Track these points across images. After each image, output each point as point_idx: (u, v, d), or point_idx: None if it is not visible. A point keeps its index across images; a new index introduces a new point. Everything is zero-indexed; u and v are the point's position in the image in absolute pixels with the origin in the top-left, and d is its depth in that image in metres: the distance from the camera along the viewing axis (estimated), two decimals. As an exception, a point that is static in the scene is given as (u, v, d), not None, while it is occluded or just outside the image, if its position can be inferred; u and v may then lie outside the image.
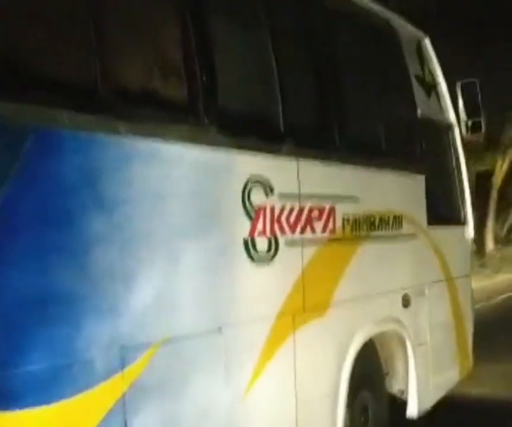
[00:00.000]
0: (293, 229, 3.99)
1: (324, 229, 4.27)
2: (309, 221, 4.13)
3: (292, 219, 3.98)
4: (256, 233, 3.70)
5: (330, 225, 4.33)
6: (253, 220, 3.68)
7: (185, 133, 3.32)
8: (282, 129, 3.99)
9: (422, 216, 5.52)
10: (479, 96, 6.55)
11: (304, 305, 4.07)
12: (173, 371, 3.18)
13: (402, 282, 5.20)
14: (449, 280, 5.98)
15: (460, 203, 6.35)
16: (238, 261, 3.60)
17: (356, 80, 4.95)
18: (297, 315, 4.02)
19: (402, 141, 5.45)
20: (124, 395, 2.88)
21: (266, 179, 3.78)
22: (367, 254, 4.74)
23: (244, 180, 3.63)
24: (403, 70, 5.56)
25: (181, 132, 3.29)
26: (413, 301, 5.29)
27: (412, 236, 5.35)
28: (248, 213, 3.64)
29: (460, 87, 6.56)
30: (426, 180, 5.59)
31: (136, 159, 3.02)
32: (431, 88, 6.07)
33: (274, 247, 3.83)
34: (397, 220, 5.13)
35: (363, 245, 4.70)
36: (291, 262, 4.00)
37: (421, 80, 5.86)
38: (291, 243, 3.97)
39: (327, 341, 4.33)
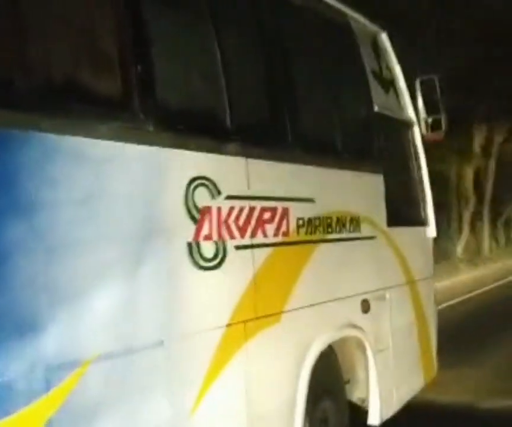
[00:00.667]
0: (242, 232, 3.74)
1: (277, 232, 4.03)
2: (260, 224, 3.88)
3: (241, 222, 3.73)
4: (201, 238, 3.44)
5: (284, 227, 4.09)
6: (198, 224, 3.42)
7: (118, 130, 3.04)
8: (229, 126, 3.74)
9: (381, 217, 5.31)
10: (439, 92, 6.39)
11: (257, 312, 3.82)
12: (108, 391, 2.89)
13: (361, 287, 4.98)
14: (411, 283, 5.79)
15: (421, 202, 6.16)
16: (182, 267, 3.33)
17: (309, 75, 4.72)
18: (249, 324, 3.76)
19: (358, 139, 5.24)
20: (50, 421, 2.59)
21: (212, 180, 3.53)
22: (324, 258, 4.51)
23: (186, 181, 3.37)
24: (359, 64, 5.35)
25: (113, 128, 3.01)
26: (373, 306, 5.08)
27: (371, 238, 5.14)
28: (192, 217, 3.38)
29: (419, 84, 6.39)
30: (385, 180, 5.38)
31: (60, 158, 2.73)
32: (388, 84, 5.88)
33: (221, 251, 3.57)
34: (355, 221, 4.91)
35: (319, 249, 4.47)
36: (241, 267, 3.75)
37: (378, 76, 5.66)
38: (241, 247, 3.72)
39: (282, 350, 4.08)
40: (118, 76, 3.17)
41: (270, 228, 3.97)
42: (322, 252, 4.49)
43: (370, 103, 5.36)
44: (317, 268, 4.41)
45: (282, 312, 4.05)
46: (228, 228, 3.63)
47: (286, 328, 4.07)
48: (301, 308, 4.22)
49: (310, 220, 4.36)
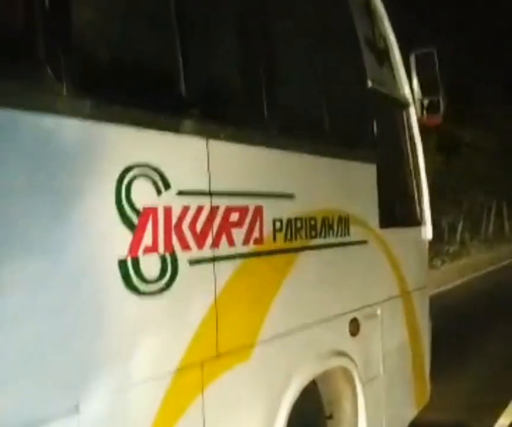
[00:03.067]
0: (200, 241, 2.73)
1: (247, 240, 3.03)
2: (225, 229, 2.88)
3: (199, 227, 2.73)
4: (141, 252, 2.42)
5: (256, 233, 3.10)
6: (137, 232, 2.40)
7: (16, 95, 2.01)
8: (183, 96, 2.72)
9: (373, 216, 4.34)
10: (437, 69, 5.44)
11: (218, 349, 2.83)
12: None
13: (350, 303, 4.01)
14: (405, 294, 4.84)
15: (417, 198, 5.21)
16: (109, 294, 2.31)
17: (290, 39, 3.71)
18: (208, 365, 2.77)
19: (349, 119, 4.24)
20: None
21: (157, 169, 2.51)
22: (306, 270, 3.53)
23: (119, 171, 2.35)
24: (350, 28, 4.34)
25: (9, 92, 1.98)
26: (363, 326, 4.11)
27: (362, 242, 4.17)
28: (127, 222, 2.36)
29: (414, 59, 5.44)
30: (379, 171, 4.41)
31: None
32: (383, 55, 4.89)
33: (170, 269, 2.56)
34: (345, 222, 3.93)
35: (301, 258, 3.48)
36: (198, 289, 2.74)
37: (372, 45, 4.67)
38: (198, 262, 2.72)
39: (252, 392, 3.10)
40: (20, 27, 2.13)
41: (238, 234, 2.97)
42: (304, 262, 3.51)
43: (363, 77, 4.37)
44: (297, 283, 3.44)
45: (252, 345, 3.06)
46: (180, 235, 2.62)
47: (257, 366, 3.09)
48: (277, 336, 3.24)
49: (289, 222, 3.37)
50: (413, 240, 5.10)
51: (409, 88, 5.33)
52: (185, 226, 2.63)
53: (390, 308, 4.53)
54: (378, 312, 4.36)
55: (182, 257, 2.62)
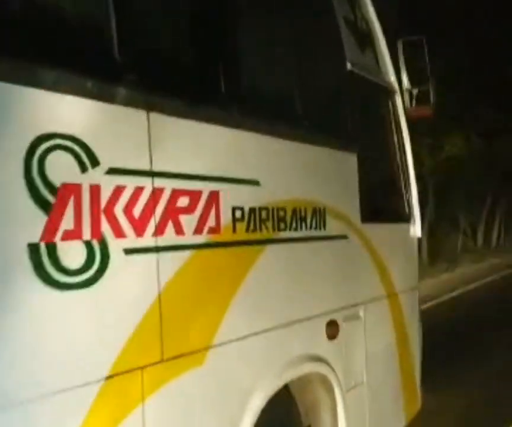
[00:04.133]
0: (139, 228, 2.37)
1: (199, 229, 2.66)
2: (171, 215, 2.52)
3: (137, 211, 2.36)
4: (58, 236, 2.06)
5: (211, 221, 2.73)
6: (53, 213, 2.04)
7: None
8: (118, 57, 2.36)
9: (354, 209, 3.98)
10: (427, 58, 5.10)
11: (163, 353, 2.46)
12: None
13: (326, 303, 3.64)
14: (392, 295, 4.46)
15: (404, 193, 4.84)
16: (16, 286, 1.95)
17: (257, 9, 3.35)
18: (150, 371, 2.40)
19: (325, 101, 3.88)
20: None
21: (82, 141, 2.15)
22: (273, 266, 3.16)
23: (29, 141, 1.99)
24: (328, 6, 3.99)
25: None
26: (343, 329, 3.74)
27: (340, 237, 3.80)
28: (38, 199, 2.00)
29: (401, 46, 5.10)
30: (360, 161, 4.05)
31: None
32: (365, 37, 4.53)
33: (99, 259, 2.20)
34: (320, 215, 3.56)
35: (266, 253, 3.11)
36: (136, 284, 2.38)
37: (352, 25, 4.31)
38: (136, 251, 2.35)
39: (206, 403, 2.72)
40: None
41: (188, 222, 2.60)
42: (271, 257, 3.14)
43: (341, 56, 4.01)
44: (263, 281, 3.07)
45: (206, 349, 2.69)
46: (112, 220, 2.26)
47: (212, 373, 2.72)
48: (238, 339, 2.87)
49: (253, 211, 3.00)
50: (400, 237, 4.74)
51: (395, 76, 4.98)
52: (118, 209, 2.27)
53: (374, 309, 4.16)
54: (361, 313, 3.99)
55: (115, 245, 2.25)
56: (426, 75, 5.13)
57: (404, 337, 4.66)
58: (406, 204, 4.83)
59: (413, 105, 5.15)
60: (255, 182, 3.03)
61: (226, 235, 2.82)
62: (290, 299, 3.30)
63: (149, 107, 2.42)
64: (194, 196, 2.63)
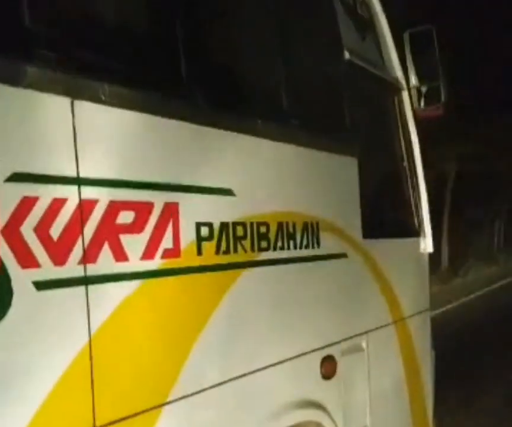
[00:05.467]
0: (59, 253, 1.77)
1: (149, 252, 2.07)
2: (108, 235, 1.92)
3: (56, 230, 1.77)
4: None
5: (166, 242, 2.14)
6: None
7: None
8: (30, 31, 1.78)
9: (354, 223, 3.38)
10: (437, 50, 4.51)
11: (96, 418, 1.86)
12: None
13: (320, 337, 3.03)
14: (400, 321, 3.85)
15: (413, 203, 4.23)
16: None
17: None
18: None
19: (318, 95, 3.28)
20: None
21: None
22: (252, 296, 2.57)
23: None
24: None
25: None
26: (341, 365, 3.14)
27: (337, 257, 3.19)
28: None
29: (408, 38, 4.51)
30: (361, 166, 3.45)
31: None
32: (365, 26, 3.94)
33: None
34: (312, 230, 2.97)
35: (244, 279, 2.51)
36: (54, 330, 1.78)
37: (351, 11, 3.72)
38: (52, 284, 1.76)
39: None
40: None
41: (133, 244, 2.01)
42: (249, 284, 2.54)
43: (338, 44, 3.42)
44: (238, 315, 2.47)
45: (160, 405, 2.09)
46: (17, 242, 1.67)
47: None
48: (202, 391, 2.27)
49: (225, 227, 2.41)
50: (409, 254, 4.13)
51: (402, 72, 4.39)
52: (26, 229, 1.68)
53: (379, 339, 3.55)
54: (363, 345, 3.39)
55: (22, 277, 1.66)
56: (437, 70, 4.54)
57: (414, 369, 4.04)
58: (415, 216, 4.22)
59: (422, 104, 4.58)
60: (227, 192, 2.44)
61: (187, 260, 2.22)
62: (275, 334, 2.70)
63: (74, 93, 1.84)
64: (142, 209, 2.04)
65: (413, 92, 4.52)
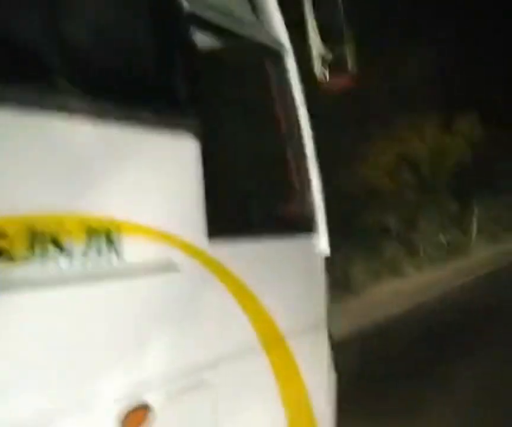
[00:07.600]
0: None
1: None
2: None
3: None
4: None
5: None
6: None
7: None
8: None
9: (193, 221, 2.57)
10: (342, 10, 3.76)
11: None
12: None
13: (121, 379, 2.22)
14: (273, 343, 3.04)
15: (297, 193, 3.42)
16: None
17: None
18: None
19: (138, 56, 2.48)
20: None
21: None
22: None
23: None
24: None
25: None
26: (162, 416, 2.33)
27: (168, 270, 2.39)
28: None
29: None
30: (207, 146, 2.63)
31: None
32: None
33: None
34: (110, 235, 2.16)
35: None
36: None
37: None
38: None
39: None
40: None
41: None
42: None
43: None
44: None
45: None
46: None
47: None
48: None
49: None
50: (288, 256, 3.30)
51: (287, 34, 3.61)
52: None
53: (236, 370, 2.75)
54: (212, 380, 2.58)
55: None
56: (342, 34, 3.83)
57: (300, 405, 3.23)
58: (301, 208, 3.42)
59: (327, 74, 3.85)
60: None
61: None
62: (44, 383, 1.89)
63: None
64: None
65: (316, 60, 3.81)
